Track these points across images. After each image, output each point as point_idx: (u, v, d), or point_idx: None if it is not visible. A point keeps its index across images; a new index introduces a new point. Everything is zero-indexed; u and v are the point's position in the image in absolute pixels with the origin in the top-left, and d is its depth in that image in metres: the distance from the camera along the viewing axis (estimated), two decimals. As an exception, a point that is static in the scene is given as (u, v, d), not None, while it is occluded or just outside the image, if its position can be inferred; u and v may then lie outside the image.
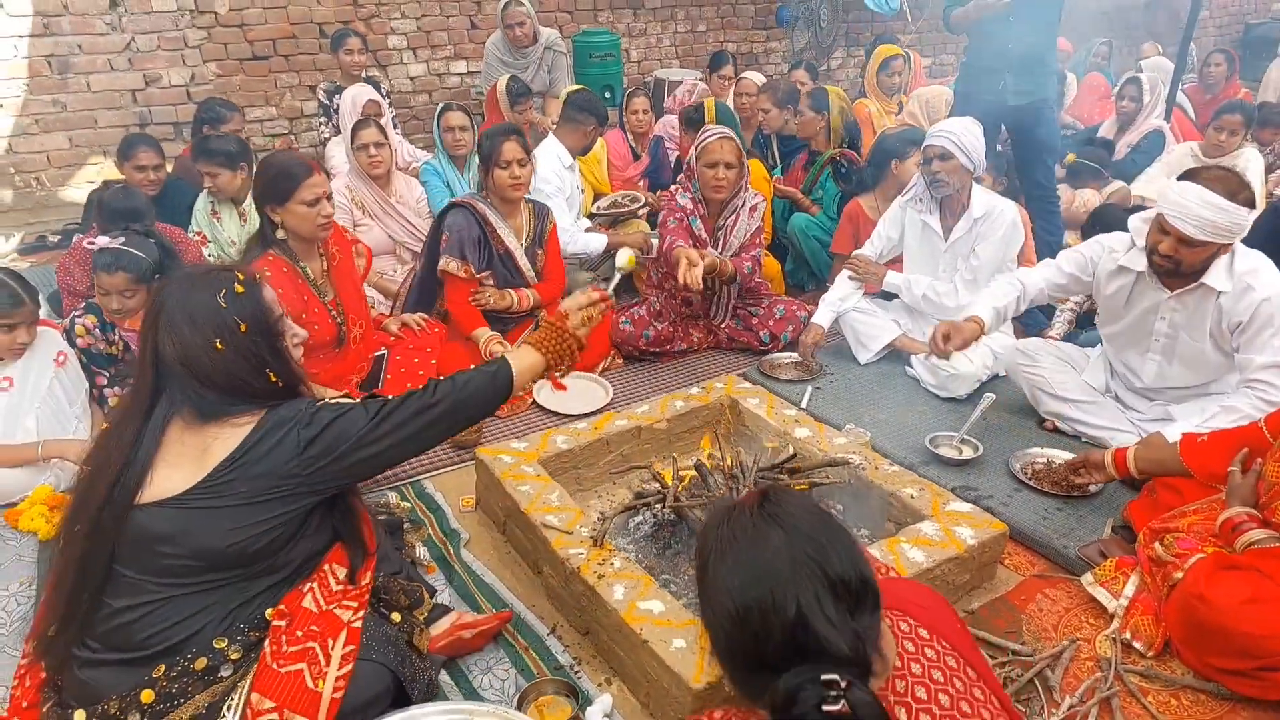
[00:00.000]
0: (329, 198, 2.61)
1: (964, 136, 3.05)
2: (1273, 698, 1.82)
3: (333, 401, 1.65)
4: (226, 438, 1.54)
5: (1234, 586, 1.83)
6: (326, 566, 1.68)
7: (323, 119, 4.64)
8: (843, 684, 0.94)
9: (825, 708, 0.92)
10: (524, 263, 3.27)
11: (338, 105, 4.57)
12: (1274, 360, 2.38)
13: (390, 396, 1.69)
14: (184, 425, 1.55)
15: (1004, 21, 3.66)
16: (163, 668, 1.49)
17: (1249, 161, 4.56)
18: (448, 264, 3.10)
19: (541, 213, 3.34)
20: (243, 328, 1.55)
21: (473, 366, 1.79)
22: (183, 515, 1.49)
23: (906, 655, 1.12)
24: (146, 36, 4.64)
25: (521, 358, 1.84)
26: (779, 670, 0.98)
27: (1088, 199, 4.55)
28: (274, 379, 1.60)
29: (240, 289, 1.58)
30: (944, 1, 3.92)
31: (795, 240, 4.09)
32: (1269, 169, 4.81)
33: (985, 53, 3.85)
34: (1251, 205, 2.35)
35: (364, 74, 4.94)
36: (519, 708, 1.75)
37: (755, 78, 4.86)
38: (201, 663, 1.51)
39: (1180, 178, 2.40)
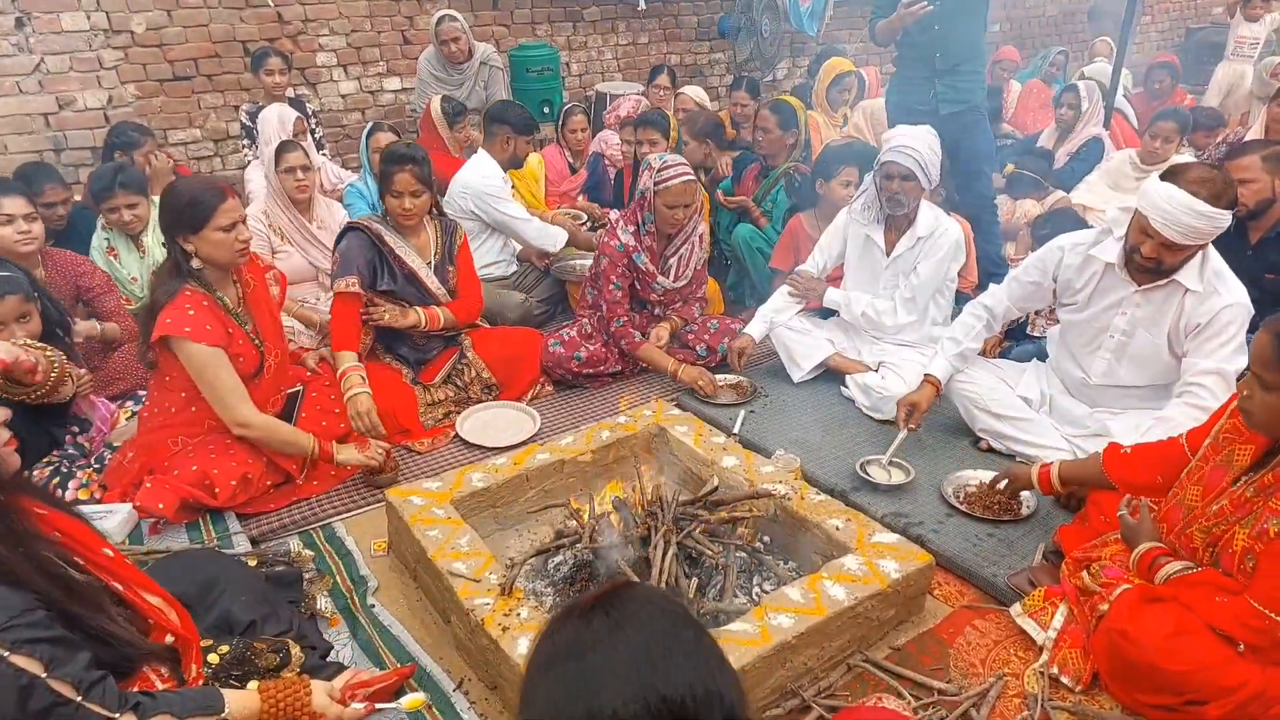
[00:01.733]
0: (244, 222, 2.49)
1: (926, 154, 3.00)
2: (1199, 732, 1.77)
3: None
4: None
5: (1157, 622, 1.78)
6: (142, 677, 1.46)
7: (246, 141, 4.48)
8: None
9: None
10: (432, 282, 3.12)
11: (258, 129, 4.43)
12: (1215, 367, 2.35)
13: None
14: None
15: (929, 30, 3.64)
16: None
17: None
18: (348, 284, 2.95)
19: (450, 229, 3.22)
20: None
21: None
22: None
23: None
24: (57, 57, 4.44)
25: (240, 710, 1.45)
26: None
27: (1028, 210, 4.55)
28: None
29: None
30: (869, 14, 3.90)
31: (739, 252, 4.02)
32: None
33: (913, 62, 3.84)
34: (1233, 206, 2.30)
35: (293, 93, 4.80)
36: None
37: (694, 93, 4.79)
38: None
39: (1163, 178, 2.32)
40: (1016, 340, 3.39)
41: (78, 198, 3.85)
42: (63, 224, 3.48)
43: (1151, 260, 2.36)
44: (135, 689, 1.38)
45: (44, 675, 1.21)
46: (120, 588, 1.46)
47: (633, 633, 0.91)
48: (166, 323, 2.35)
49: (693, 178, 3.19)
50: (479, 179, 3.73)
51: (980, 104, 3.94)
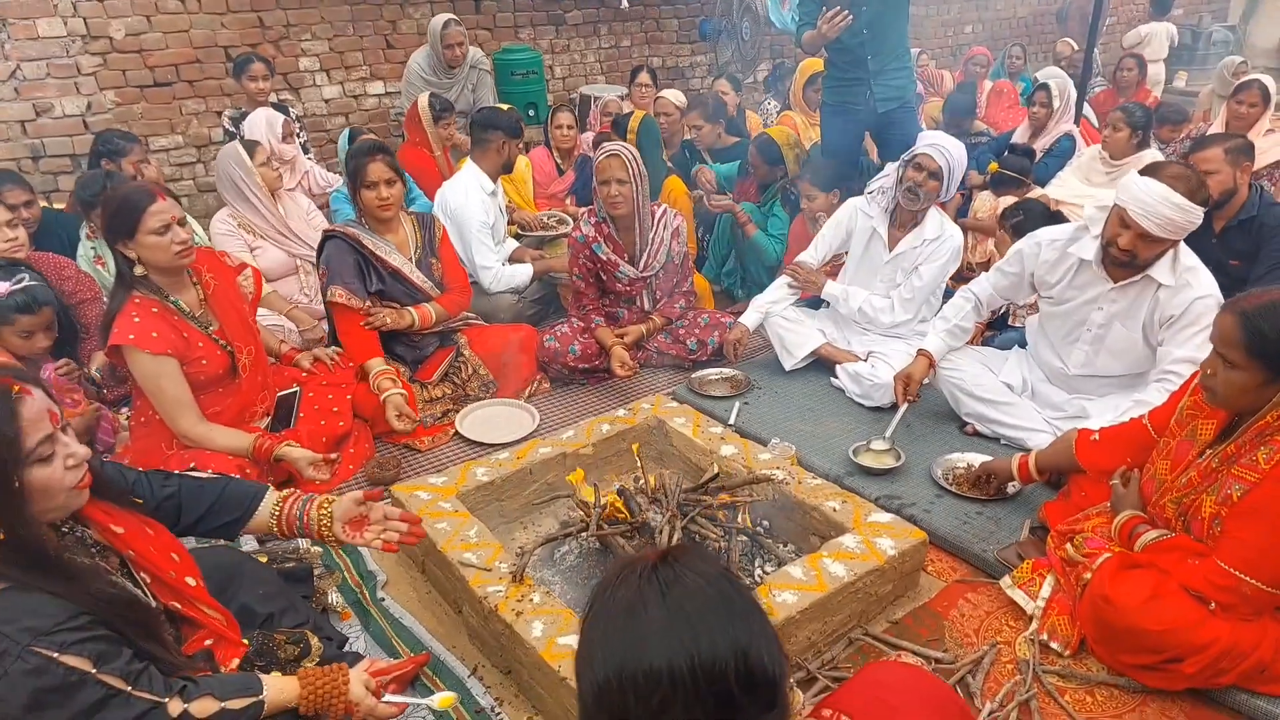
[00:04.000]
0: (181, 222, 2.43)
1: (957, 161, 3.09)
2: (1178, 688, 1.89)
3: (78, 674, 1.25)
4: None
5: (1136, 586, 1.88)
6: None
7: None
8: None
9: None
10: (417, 277, 3.16)
11: (244, 133, 4.44)
12: (1188, 354, 2.46)
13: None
14: None
15: (858, 34, 3.75)
16: None
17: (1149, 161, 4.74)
18: (334, 294, 2.99)
19: (427, 222, 3.27)
20: None
21: (222, 705, 1.38)
22: None
23: None
24: (34, 64, 4.40)
25: (279, 695, 1.48)
26: None
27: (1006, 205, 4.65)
28: None
29: None
30: (800, 23, 3.98)
31: (760, 252, 4.08)
32: (1169, 167, 5.00)
33: (845, 65, 3.96)
34: (1207, 203, 2.41)
35: (276, 98, 4.80)
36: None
37: (673, 96, 4.87)
38: None
39: (1142, 173, 2.44)
40: (999, 329, 3.50)
41: (60, 205, 3.83)
42: (32, 228, 3.44)
43: (1127, 253, 2.46)
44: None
45: (93, 670, 1.25)
46: (179, 606, 1.50)
47: (682, 600, 0.94)
48: (115, 332, 2.36)
49: (617, 151, 3.23)
50: (457, 204, 3.67)
51: (910, 99, 4.10)
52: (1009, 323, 3.53)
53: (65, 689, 1.23)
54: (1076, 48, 7.63)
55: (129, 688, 1.28)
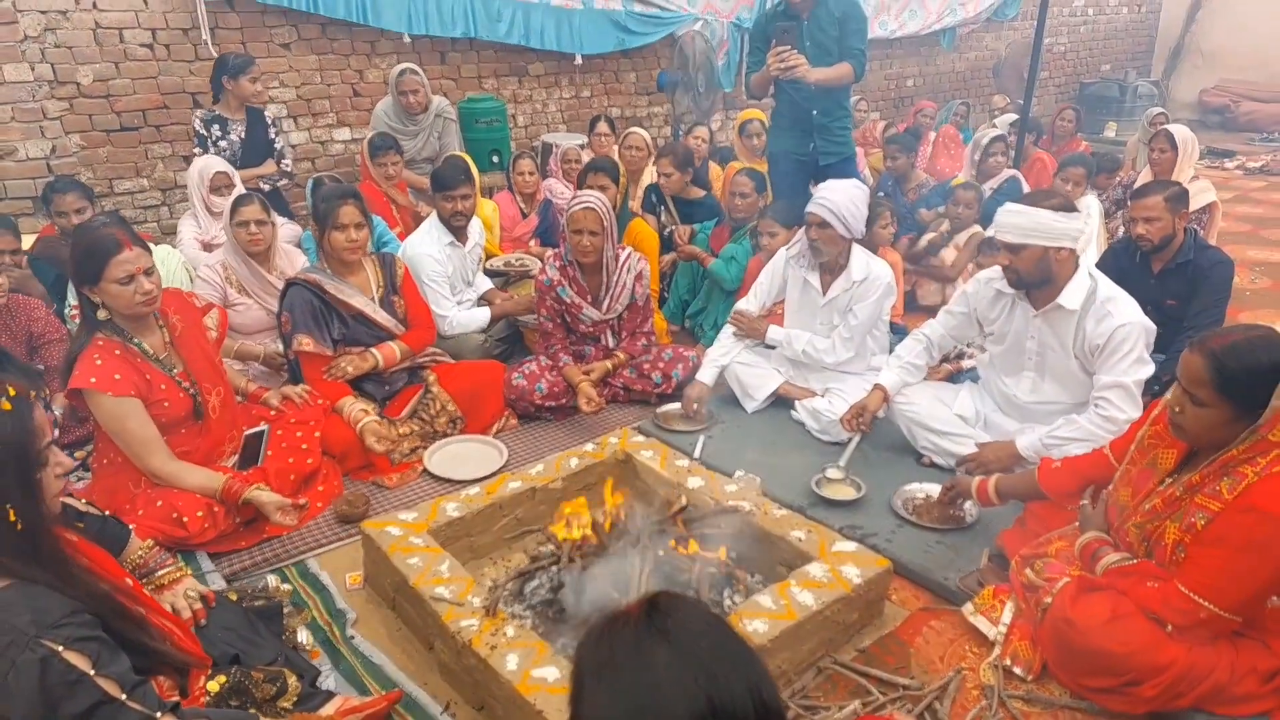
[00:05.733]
0: (147, 272, 2.40)
1: (843, 206, 3.19)
2: (1139, 711, 1.93)
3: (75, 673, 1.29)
4: None
5: (1095, 608, 1.95)
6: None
7: (198, 150, 4.41)
8: None
9: None
10: (381, 316, 3.21)
11: (216, 137, 4.41)
12: (1116, 380, 2.59)
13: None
14: None
15: (804, 89, 3.92)
16: None
17: (1088, 207, 4.99)
18: (301, 343, 3.03)
19: (388, 262, 3.33)
20: None
21: None
22: None
23: None
24: (-1, 107, 4.41)
25: None
26: None
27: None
28: (13, 518, 1.34)
29: (7, 406, 1.36)
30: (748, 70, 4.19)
31: (719, 280, 4.21)
32: (1106, 214, 5.28)
33: (791, 118, 4.14)
34: (1065, 210, 2.62)
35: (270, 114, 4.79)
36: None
37: (642, 133, 5.07)
38: None
39: None
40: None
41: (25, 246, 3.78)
42: (13, 272, 3.42)
43: (1007, 269, 2.70)
44: None
45: (92, 672, 1.27)
46: (142, 611, 1.50)
47: (687, 643, 0.93)
48: (75, 375, 2.35)
49: (593, 205, 3.33)
50: (413, 254, 3.70)
51: (851, 154, 4.33)
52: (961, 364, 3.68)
53: (65, 687, 1.25)
54: (1009, 100, 8.07)
55: (123, 695, 1.29)
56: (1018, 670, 2.09)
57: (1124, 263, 3.52)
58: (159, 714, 1.34)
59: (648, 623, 0.95)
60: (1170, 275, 3.42)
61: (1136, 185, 4.32)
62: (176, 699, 1.44)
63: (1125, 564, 1.99)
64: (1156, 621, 1.89)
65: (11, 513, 1.33)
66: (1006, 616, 2.19)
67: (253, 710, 1.62)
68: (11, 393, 1.37)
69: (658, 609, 0.97)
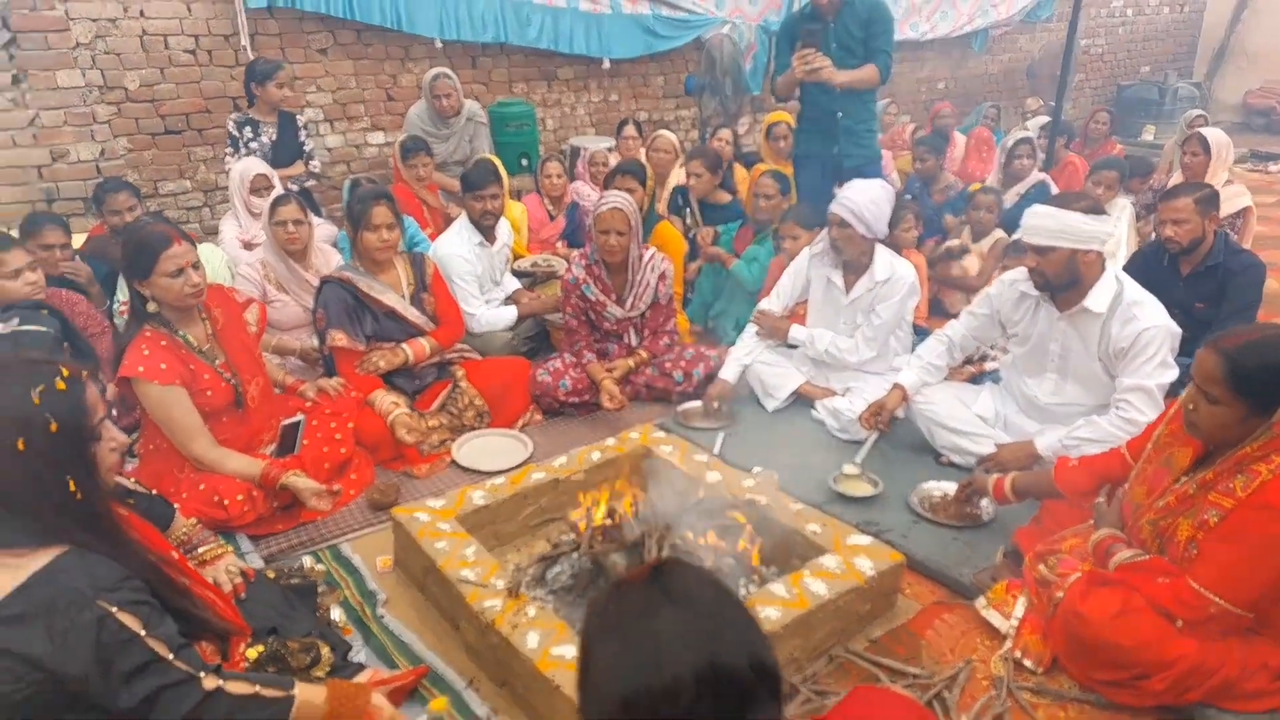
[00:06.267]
0: (195, 266, 2.55)
1: (865, 207, 3.23)
2: (1147, 705, 1.96)
3: (129, 632, 1.39)
4: None
5: (1105, 602, 1.97)
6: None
7: (230, 150, 4.57)
8: None
9: None
10: (412, 313, 3.32)
11: (248, 138, 4.55)
12: (1138, 383, 2.61)
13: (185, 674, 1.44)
14: None
15: (830, 92, 3.94)
16: None
17: (1121, 210, 4.97)
18: (335, 338, 3.16)
19: (418, 261, 3.44)
20: (53, 427, 1.42)
21: (256, 689, 1.52)
22: None
23: None
24: (52, 112, 4.59)
25: (310, 696, 1.60)
26: None
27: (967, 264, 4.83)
28: (73, 488, 1.44)
29: (62, 385, 1.45)
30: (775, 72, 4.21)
31: (741, 281, 4.25)
32: (1138, 217, 5.24)
33: (816, 119, 4.17)
34: (1093, 212, 2.63)
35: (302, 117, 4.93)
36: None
37: (670, 136, 5.15)
38: None
39: None
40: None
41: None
42: (62, 268, 3.57)
43: (1034, 272, 2.71)
44: None
45: (142, 633, 1.38)
46: (187, 582, 1.61)
47: (690, 604, 0.97)
48: (124, 364, 2.48)
49: (620, 206, 3.40)
50: (443, 254, 3.81)
51: (876, 156, 4.35)
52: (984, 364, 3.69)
53: (118, 645, 1.36)
54: (1043, 103, 8.00)
55: (170, 655, 1.39)
56: (1028, 663, 2.12)
57: (1153, 265, 3.51)
58: (202, 674, 1.45)
59: (654, 586, 0.99)
60: (1199, 278, 3.41)
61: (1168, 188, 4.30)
62: (218, 663, 1.54)
63: (1137, 560, 2.02)
64: (1166, 616, 1.92)
65: (71, 483, 1.43)
66: (1018, 611, 2.22)
67: (288, 677, 1.72)
68: (65, 373, 1.47)
69: (664, 573, 1.02)
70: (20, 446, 1.38)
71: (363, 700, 1.63)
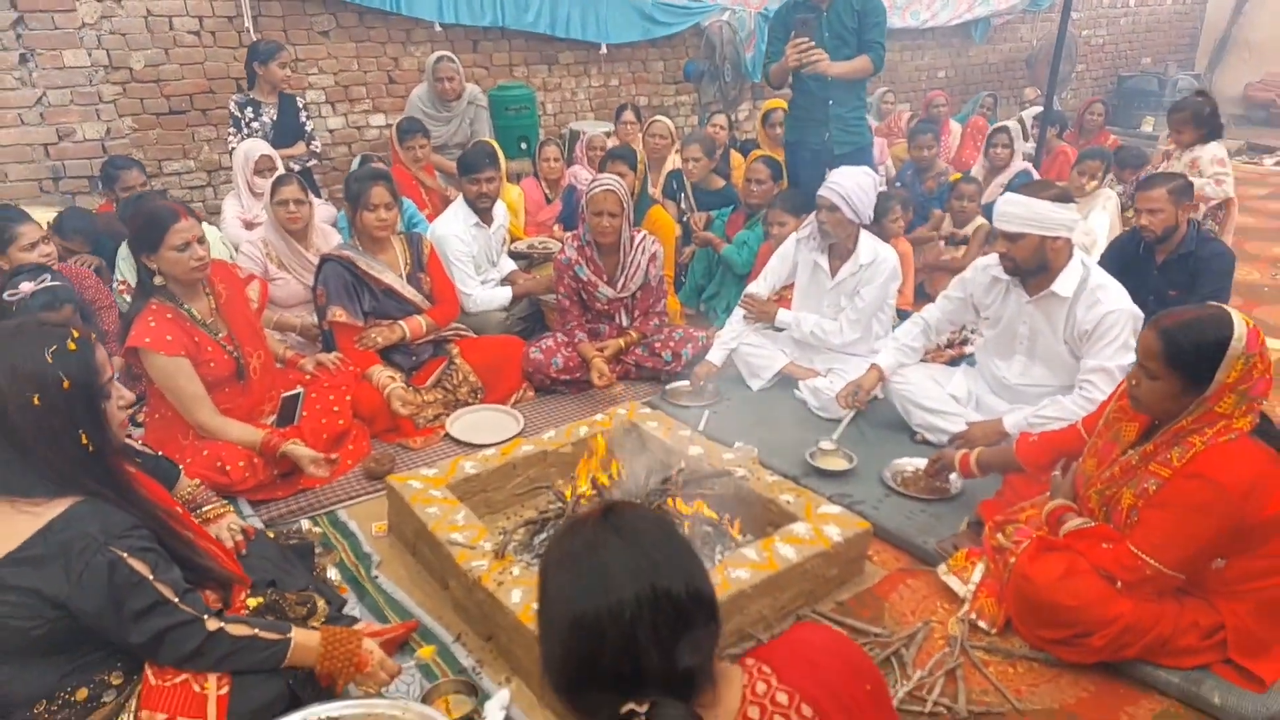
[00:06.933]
0: (200, 240, 2.67)
1: (852, 192, 3.34)
2: (1089, 661, 2.09)
3: (138, 576, 1.52)
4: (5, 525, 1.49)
5: (1052, 565, 2.11)
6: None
7: (232, 131, 4.67)
8: (641, 710, 0.98)
9: None
10: (409, 291, 3.44)
11: (249, 119, 4.65)
12: (1101, 364, 2.73)
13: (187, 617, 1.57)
14: None
15: (820, 79, 4.02)
16: (43, 703, 1.54)
17: (1106, 200, 5.06)
18: (335, 314, 3.28)
19: (415, 240, 3.55)
20: (65, 384, 1.51)
21: (255, 631, 1.65)
22: None
23: (749, 700, 1.10)
24: (59, 91, 4.70)
25: (305, 639, 1.72)
26: (606, 686, 1.02)
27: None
28: (85, 440, 1.54)
29: (73, 346, 1.55)
30: (769, 59, 4.26)
31: (731, 264, 4.39)
32: (1123, 206, 5.33)
33: (807, 107, 4.25)
34: (1062, 200, 2.73)
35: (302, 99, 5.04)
36: (421, 706, 1.88)
37: (666, 121, 5.24)
38: (83, 693, 1.57)
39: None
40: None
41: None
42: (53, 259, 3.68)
43: (1004, 257, 2.82)
44: None
45: (151, 578, 1.51)
46: (190, 535, 1.74)
47: (636, 538, 1.08)
48: (131, 335, 2.61)
49: (612, 188, 3.50)
50: (440, 234, 3.91)
51: (866, 144, 4.42)
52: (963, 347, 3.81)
53: (129, 587, 1.49)
54: (1040, 93, 8.05)
55: (176, 599, 1.52)
56: (983, 624, 2.26)
57: (1129, 253, 3.62)
58: (205, 617, 1.58)
59: (605, 523, 1.11)
60: (1172, 266, 3.51)
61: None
62: (220, 609, 1.67)
63: (1085, 527, 2.15)
64: (1107, 578, 2.05)
65: (83, 436, 1.54)
66: (976, 576, 2.36)
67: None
68: (76, 334, 1.58)
69: (613, 511, 1.14)
70: (36, 401, 1.49)
71: (354, 644, 1.76)
